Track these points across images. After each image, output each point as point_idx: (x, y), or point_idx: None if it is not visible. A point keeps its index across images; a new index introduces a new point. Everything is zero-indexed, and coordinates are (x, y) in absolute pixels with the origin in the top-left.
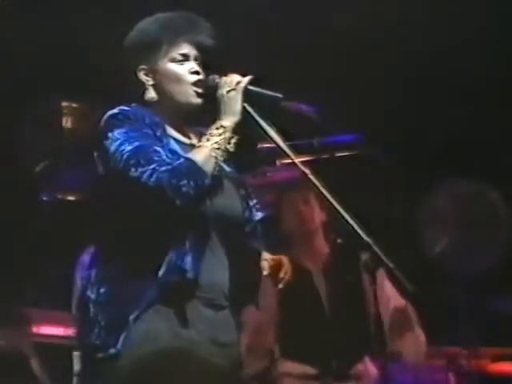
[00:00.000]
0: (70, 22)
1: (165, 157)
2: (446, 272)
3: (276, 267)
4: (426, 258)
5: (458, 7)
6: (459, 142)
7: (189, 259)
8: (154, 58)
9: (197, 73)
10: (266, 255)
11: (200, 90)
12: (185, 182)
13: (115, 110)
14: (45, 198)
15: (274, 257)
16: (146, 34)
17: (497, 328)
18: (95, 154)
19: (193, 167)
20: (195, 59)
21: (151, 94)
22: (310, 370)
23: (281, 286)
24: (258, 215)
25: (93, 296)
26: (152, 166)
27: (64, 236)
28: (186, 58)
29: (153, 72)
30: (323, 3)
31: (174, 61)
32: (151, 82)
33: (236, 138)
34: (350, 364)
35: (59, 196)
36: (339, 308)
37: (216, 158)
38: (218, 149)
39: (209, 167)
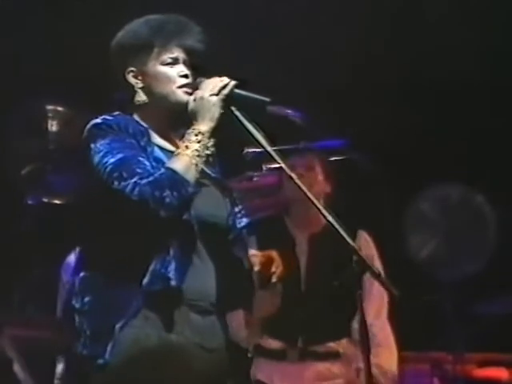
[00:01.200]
0: (57, 25)
1: (149, 167)
2: (432, 276)
3: (267, 262)
4: (412, 262)
5: (449, 20)
6: (445, 147)
7: (172, 267)
8: (143, 61)
9: (186, 76)
10: (254, 251)
11: (189, 91)
12: (168, 193)
13: (98, 120)
14: (30, 202)
15: (263, 252)
16: (136, 35)
17: (483, 333)
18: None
19: (174, 177)
20: (184, 62)
21: (141, 96)
22: (276, 344)
23: (274, 280)
24: (243, 221)
25: (77, 305)
26: (134, 180)
27: (49, 239)
28: (176, 61)
29: (142, 74)
30: (313, 9)
31: (164, 63)
32: (140, 85)
33: (213, 141)
34: (318, 342)
35: (45, 199)
36: (316, 283)
37: (196, 164)
38: (198, 156)
39: (190, 175)
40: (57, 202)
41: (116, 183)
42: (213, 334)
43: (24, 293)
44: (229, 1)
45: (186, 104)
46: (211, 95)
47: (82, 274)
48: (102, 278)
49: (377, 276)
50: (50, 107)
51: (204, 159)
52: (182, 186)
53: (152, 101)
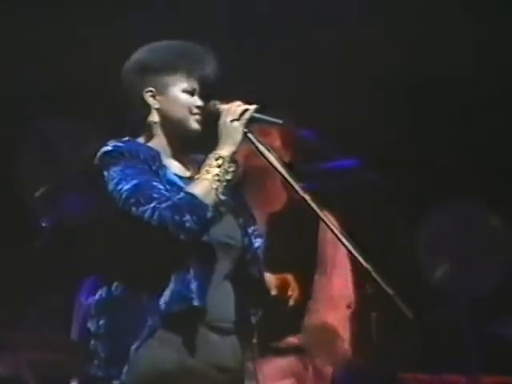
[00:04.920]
0: (70, 45)
1: (164, 191)
2: (447, 297)
3: (282, 286)
4: (426, 283)
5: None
6: (459, 167)
7: (194, 287)
8: (165, 83)
9: (200, 107)
10: (268, 275)
11: (200, 119)
12: (188, 217)
13: (108, 147)
14: (44, 224)
15: (278, 276)
16: (160, 58)
17: (497, 355)
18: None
19: (194, 201)
20: (198, 93)
21: (154, 117)
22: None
23: (291, 303)
24: (258, 241)
25: (92, 328)
26: (153, 204)
27: (64, 262)
28: (194, 91)
29: (161, 96)
30: (322, 28)
31: (184, 91)
32: (157, 106)
33: (234, 166)
34: (275, 336)
35: (59, 221)
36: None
37: (217, 189)
38: (219, 180)
39: (210, 199)
40: (71, 223)
41: (134, 209)
42: (230, 354)
43: (38, 315)
44: (239, 25)
45: (196, 131)
46: (232, 121)
47: (96, 297)
48: (117, 300)
49: (390, 297)
50: (62, 128)
51: (224, 184)
52: (202, 211)
53: (164, 123)
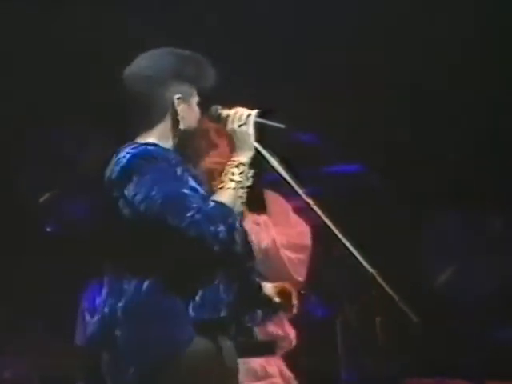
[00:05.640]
0: (75, 51)
1: (194, 199)
2: (450, 302)
3: (284, 294)
4: (431, 288)
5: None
6: (461, 171)
7: (224, 297)
8: (188, 93)
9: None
10: (267, 284)
11: None
12: (221, 227)
13: (136, 151)
14: (49, 229)
15: (276, 284)
16: (185, 67)
17: (501, 359)
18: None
19: (225, 211)
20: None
21: (179, 123)
22: None
23: (294, 311)
24: (253, 251)
25: (120, 334)
26: (190, 213)
27: (69, 267)
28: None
29: (185, 104)
30: (324, 32)
31: (197, 104)
32: (182, 114)
33: (253, 172)
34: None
35: (63, 227)
36: None
37: (241, 197)
38: (242, 187)
39: (237, 208)
40: (75, 229)
41: (170, 218)
42: (234, 358)
43: (43, 319)
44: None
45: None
46: (240, 126)
47: (121, 304)
48: (146, 303)
49: (395, 302)
50: (69, 133)
51: (246, 190)
52: (232, 220)
53: (184, 129)
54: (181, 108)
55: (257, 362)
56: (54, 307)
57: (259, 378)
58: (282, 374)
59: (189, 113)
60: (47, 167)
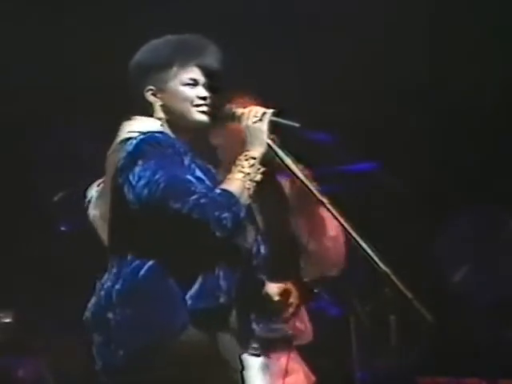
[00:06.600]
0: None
1: (197, 185)
2: (466, 301)
3: (285, 294)
4: (445, 287)
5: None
6: (478, 170)
7: (223, 285)
8: (163, 79)
9: (204, 98)
10: (271, 284)
11: (205, 109)
12: (226, 214)
13: (144, 136)
14: (63, 228)
15: (279, 285)
16: (156, 54)
17: None
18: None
19: (232, 199)
20: (203, 85)
21: (159, 114)
22: None
23: (291, 310)
24: (262, 248)
25: (113, 317)
26: (194, 197)
27: (84, 265)
28: (195, 82)
29: (161, 92)
30: (338, 30)
31: (183, 84)
32: (159, 103)
33: (263, 168)
34: None
35: (78, 226)
36: None
37: (249, 189)
38: (251, 180)
39: (244, 199)
40: (89, 228)
41: (172, 201)
42: (236, 355)
43: (59, 319)
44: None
45: (202, 122)
46: (255, 122)
47: (118, 287)
48: (142, 285)
49: (409, 300)
50: (80, 133)
51: (254, 184)
52: (237, 209)
53: (172, 119)
54: (158, 98)
55: (280, 358)
56: (69, 306)
57: (283, 374)
58: (304, 370)
59: (169, 99)
60: (61, 166)
